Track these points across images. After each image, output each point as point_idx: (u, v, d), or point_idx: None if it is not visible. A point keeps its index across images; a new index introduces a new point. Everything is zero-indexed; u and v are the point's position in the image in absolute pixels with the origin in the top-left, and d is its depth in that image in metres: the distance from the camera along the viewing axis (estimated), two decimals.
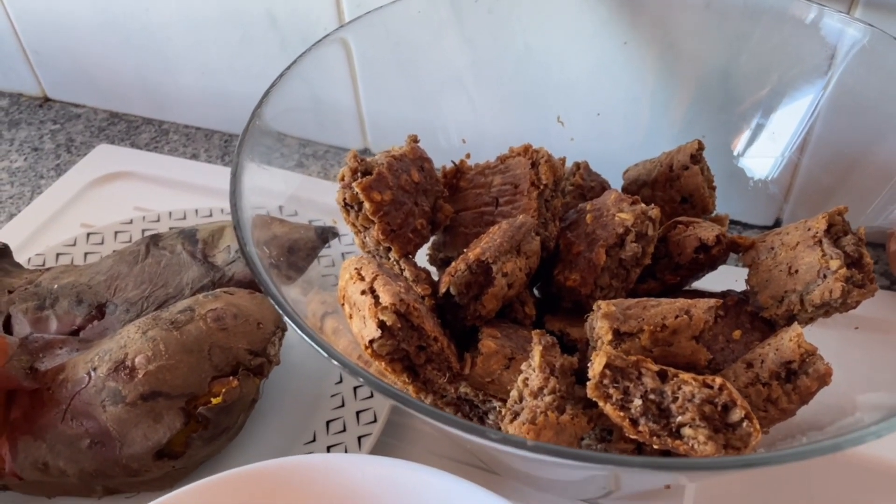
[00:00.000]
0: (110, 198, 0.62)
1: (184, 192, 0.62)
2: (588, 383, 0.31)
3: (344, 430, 0.42)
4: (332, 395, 0.44)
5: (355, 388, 0.44)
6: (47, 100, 0.75)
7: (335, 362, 0.27)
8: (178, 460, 0.37)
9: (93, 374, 0.36)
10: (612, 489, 0.41)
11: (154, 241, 0.46)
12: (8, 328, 0.43)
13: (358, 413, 0.43)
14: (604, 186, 0.47)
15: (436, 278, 0.40)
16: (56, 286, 0.44)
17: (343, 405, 0.43)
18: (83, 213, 0.61)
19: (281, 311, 0.29)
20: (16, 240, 0.57)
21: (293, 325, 0.28)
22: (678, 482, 0.38)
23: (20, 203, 0.63)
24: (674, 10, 0.46)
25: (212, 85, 0.67)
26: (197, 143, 0.69)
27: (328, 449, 0.41)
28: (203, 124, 0.70)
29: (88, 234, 0.54)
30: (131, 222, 0.55)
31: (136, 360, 0.36)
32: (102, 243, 0.54)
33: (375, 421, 0.42)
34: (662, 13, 0.47)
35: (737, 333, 0.39)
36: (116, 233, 0.55)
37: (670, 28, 0.47)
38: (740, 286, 0.41)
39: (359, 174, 0.40)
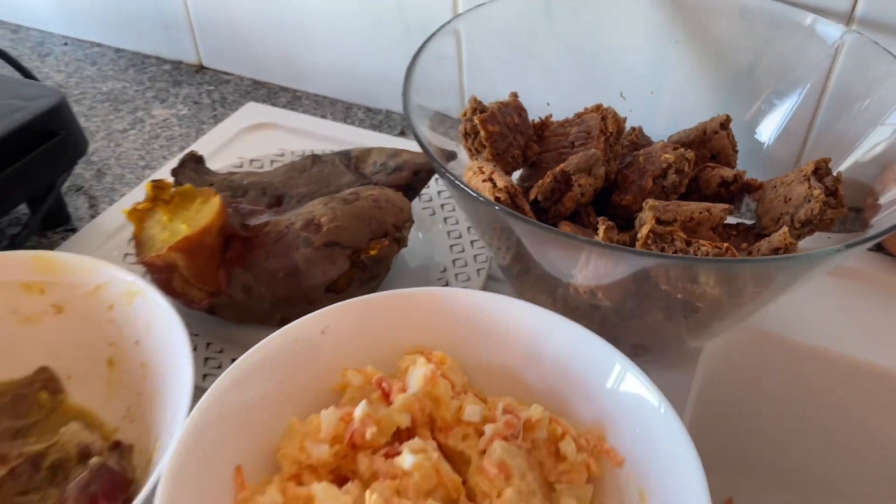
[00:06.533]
0: (260, 141, 0.79)
1: (317, 142, 0.78)
2: (637, 241, 0.46)
3: None
4: (438, 279, 0.60)
5: (456, 275, 0.60)
6: (202, 67, 0.93)
7: (476, 195, 0.43)
8: (340, 294, 0.53)
9: (290, 227, 0.53)
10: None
11: (316, 157, 0.63)
12: None
13: None
14: None
15: None
16: (245, 182, 0.61)
17: (447, 285, 0.59)
18: (239, 150, 0.78)
19: (435, 165, 0.45)
20: None
21: (444, 174, 0.44)
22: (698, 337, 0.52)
23: (188, 140, 0.81)
24: (714, 18, 0.62)
25: (341, 61, 0.84)
26: (324, 108, 0.86)
27: None
28: (330, 94, 0.87)
29: (251, 160, 0.71)
30: (283, 155, 0.72)
31: (322, 219, 0.52)
32: (262, 168, 0.71)
33: None
34: (706, 19, 0.63)
35: (744, 245, 0.54)
36: (272, 161, 0.71)
37: (711, 31, 0.63)
38: None
39: (477, 111, 0.56)
